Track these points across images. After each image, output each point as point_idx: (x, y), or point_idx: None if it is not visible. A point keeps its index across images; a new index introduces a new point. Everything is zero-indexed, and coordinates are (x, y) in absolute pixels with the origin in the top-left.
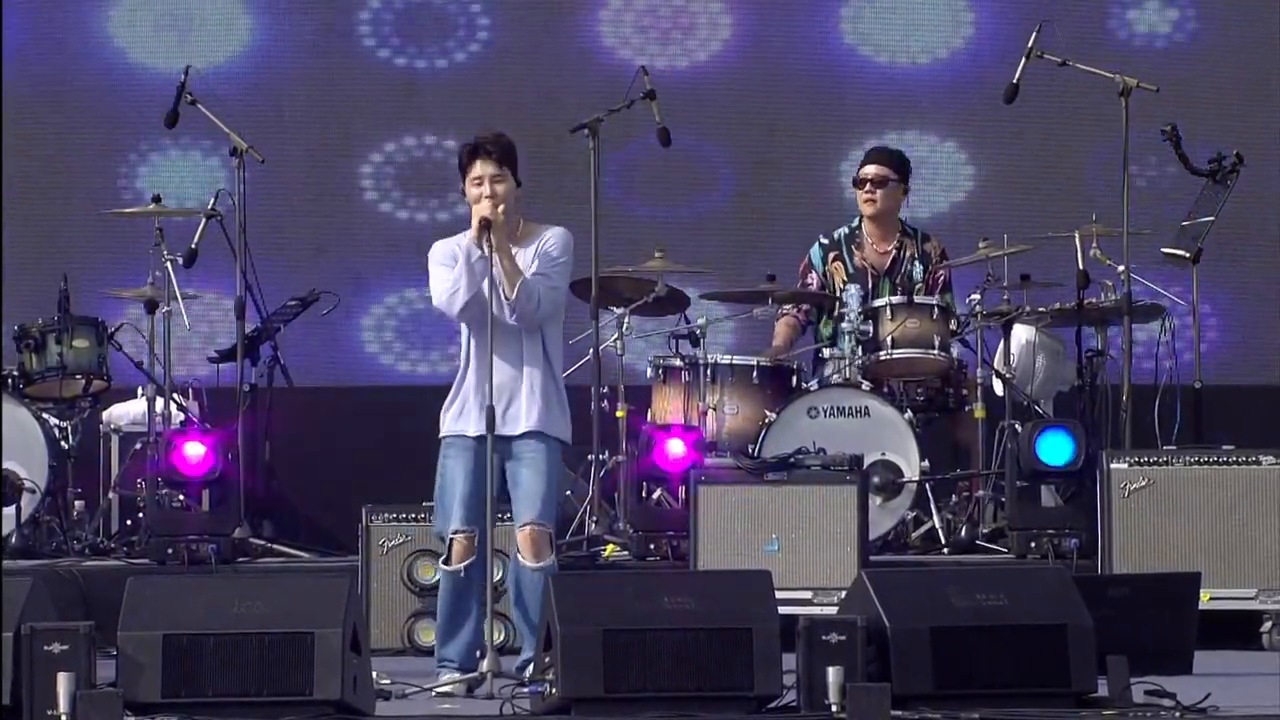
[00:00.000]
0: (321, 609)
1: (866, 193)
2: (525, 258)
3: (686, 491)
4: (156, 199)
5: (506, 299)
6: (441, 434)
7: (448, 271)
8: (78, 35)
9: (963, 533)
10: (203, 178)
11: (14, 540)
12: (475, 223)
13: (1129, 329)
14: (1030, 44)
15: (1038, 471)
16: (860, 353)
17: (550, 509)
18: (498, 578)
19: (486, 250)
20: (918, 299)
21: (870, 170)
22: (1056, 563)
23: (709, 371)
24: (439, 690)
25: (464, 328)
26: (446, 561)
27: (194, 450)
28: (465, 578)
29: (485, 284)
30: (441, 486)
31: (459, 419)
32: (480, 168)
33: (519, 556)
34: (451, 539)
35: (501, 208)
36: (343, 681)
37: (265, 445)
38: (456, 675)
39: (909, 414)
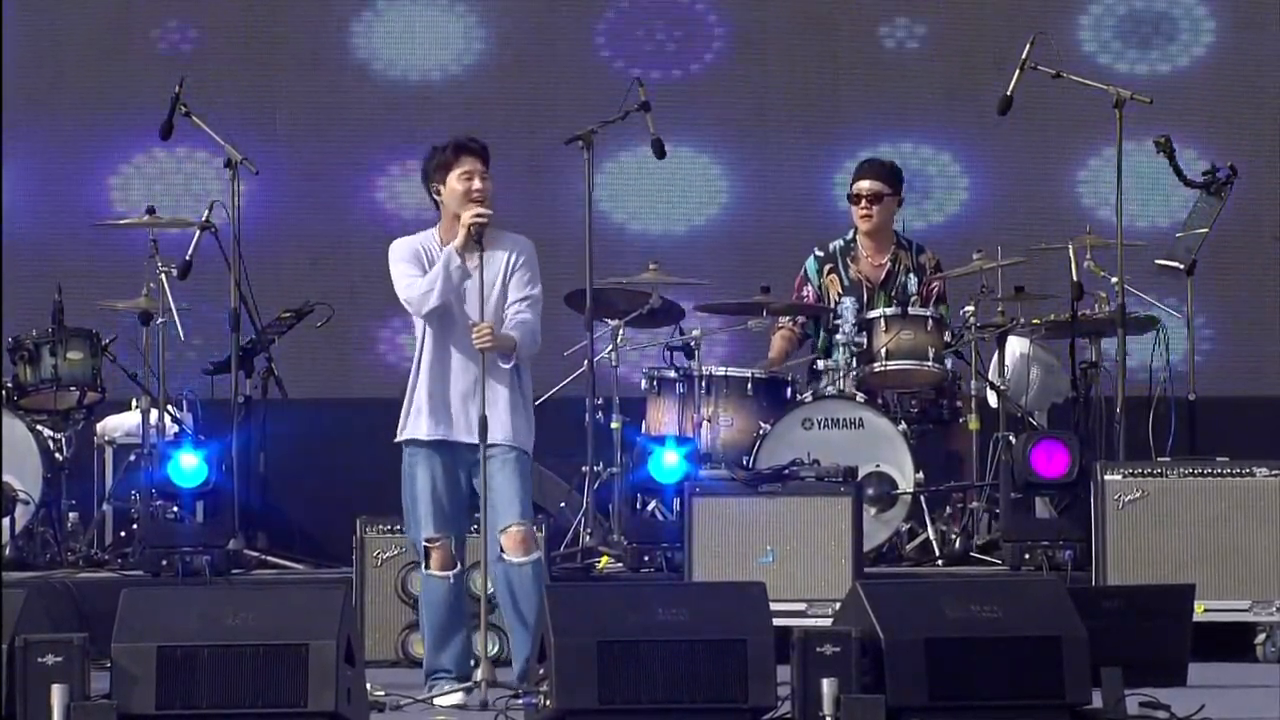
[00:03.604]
0: (316, 621)
1: (862, 209)
2: (495, 264)
3: (681, 503)
4: (151, 210)
5: (517, 358)
6: (401, 438)
7: (412, 269)
8: (73, 44)
9: (957, 544)
10: (197, 189)
11: (8, 552)
12: (465, 223)
13: (1123, 341)
14: (1024, 55)
15: (1032, 483)
16: (855, 364)
17: (529, 509)
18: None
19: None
20: (912, 310)
21: (864, 186)
22: (1051, 574)
23: (703, 383)
24: (441, 703)
25: (422, 328)
26: (428, 567)
27: (188, 462)
28: (456, 585)
29: (470, 285)
30: (412, 493)
31: (418, 420)
32: (470, 163)
33: (505, 557)
34: (427, 547)
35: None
36: (337, 693)
37: (260, 457)
38: (455, 685)
39: (903, 425)
